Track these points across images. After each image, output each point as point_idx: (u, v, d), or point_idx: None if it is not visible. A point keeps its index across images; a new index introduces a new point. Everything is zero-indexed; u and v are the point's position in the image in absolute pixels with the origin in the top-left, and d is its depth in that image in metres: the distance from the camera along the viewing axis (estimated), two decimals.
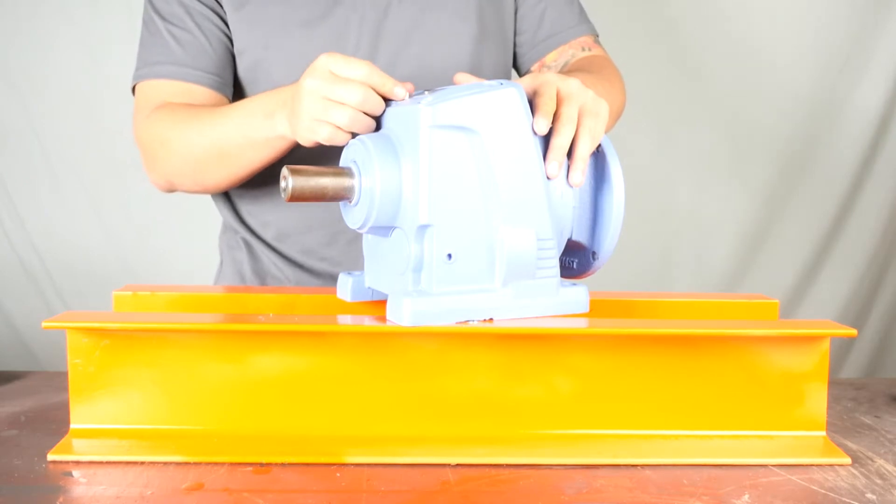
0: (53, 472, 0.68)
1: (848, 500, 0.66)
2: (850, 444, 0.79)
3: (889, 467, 0.74)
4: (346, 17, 1.02)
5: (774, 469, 0.72)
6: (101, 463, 0.70)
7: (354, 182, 0.73)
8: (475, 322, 0.73)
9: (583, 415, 0.76)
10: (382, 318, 0.73)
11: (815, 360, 0.77)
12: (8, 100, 2.03)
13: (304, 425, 0.74)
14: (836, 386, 0.98)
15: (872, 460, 0.75)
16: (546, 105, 0.75)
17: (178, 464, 0.70)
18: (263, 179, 1.01)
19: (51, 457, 0.70)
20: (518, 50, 1.15)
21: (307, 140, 0.81)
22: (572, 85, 0.77)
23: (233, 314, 0.85)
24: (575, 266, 0.83)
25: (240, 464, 0.70)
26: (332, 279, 1.06)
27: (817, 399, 0.77)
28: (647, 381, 0.76)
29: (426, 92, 0.74)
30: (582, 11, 1.16)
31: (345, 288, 0.84)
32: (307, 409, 0.74)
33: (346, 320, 0.75)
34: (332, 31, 1.02)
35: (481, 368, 0.75)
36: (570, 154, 0.77)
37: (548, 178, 0.75)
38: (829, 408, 0.82)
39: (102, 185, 2.07)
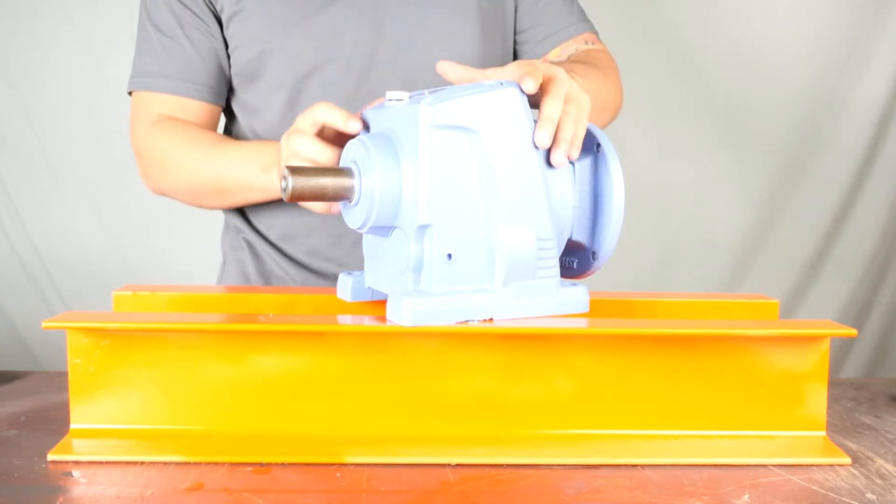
0: (53, 472, 0.68)
1: (848, 500, 0.66)
2: (850, 444, 0.79)
3: (889, 467, 0.74)
4: (344, 14, 1.02)
5: (774, 469, 0.72)
6: (101, 463, 0.70)
7: (354, 182, 0.73)
8: (475, 322, 0.73)
9: (583, 415, 0.76)
10: (382, 318, 0.73)
11: (815, 360, 0.77)
12: (8, 100, 2.04)
13: (304, 425, 0.74)
14: (836, 386, 0.98)
15: (872, 460, 0.75)
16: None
17: (178, 464, 0.70)
18: None
19: (51, 457, 0.70)
20: (519, 48, 1.15)
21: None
22: (555, 72, 0.77)
23: (233, 314, 0.85)
24: (575, 266, 0.83)
25: (240, 464, 0.70)
26: (336, 280, 1.07)
27: (817, 399, 0.77)
28: (647, 381, 0.76)
29: (426, 92, 0.74)
30: (581, 10, 1.16)
31: (345, 288, 0.84)
32: (307, 409, 0.74)
33: (346, 320, 0.75)
34: (330, 28, 1.02)
35: (481, 368, 0.75)
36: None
37: (536, 146, 0.74)
38: (829, 408, 0.82)
39: (102, 185, 2.07)
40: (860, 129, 2.11)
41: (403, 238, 0.73)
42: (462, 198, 0.72)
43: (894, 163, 2.13)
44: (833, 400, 0.92)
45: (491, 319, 0.74)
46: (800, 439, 0.77)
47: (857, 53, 2.07)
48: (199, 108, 1.05)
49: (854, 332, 0.75)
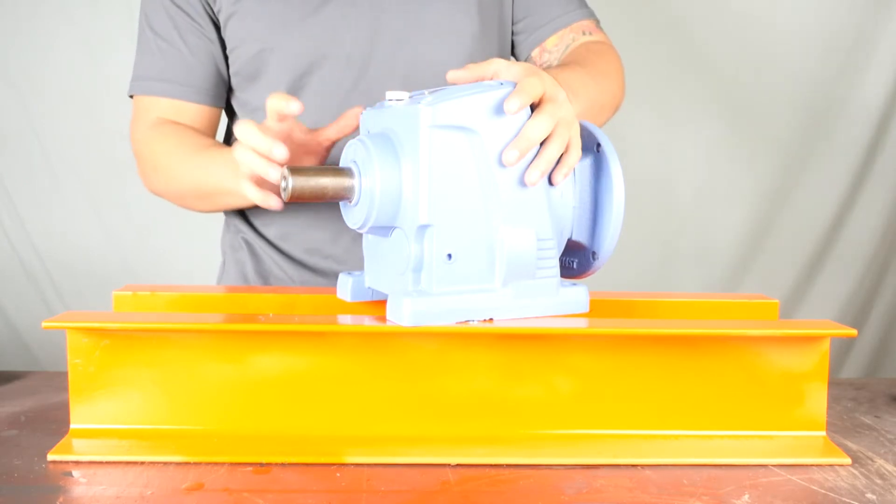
0: (53, 472, 0.68)
1: (848, 500, 0.66)
2: (850, 444, 0.79)
3: (889, 467, 0.74)
4: (342, 12, 1.02)
5: (774, 469, 0.72)
6: (101, 463, 0.70)
7: (354, 182, 0.73)
8: (475, 322, 0.73)
9: (583, 415, 0.76)
10: (382, 318, 0.73)
11: (815, 360, 0.77)
12: (8, 100, 2.03)
13: (304, 425, 0.74)
14: (836, 386, 0.98)
15: (872, 460, 0.75)
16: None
17: (178, 464, 0.70)
18: None
19: (51, 457, 0.70)
20: (516, 37, 1.14)
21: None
22: (555, 94, 0.75)
23: (233, 314, 0.84)
24: (575, 266, 0.83)
25: (240, 464, 0.70)
26: (335, 278, 1.06)
27: (817, 399, 0.77)
28: (647, 381, 0.76)
29: (426, 92, 0.74)
30: None
31: (345, 288, 0.84)
32: (307, 409, 0.74)
33: (346, 320, 0.75)
34: (329, 26, 1.02)
35: (481, 368, 0.75)
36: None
37: (503, 163, 0.72)
38: (829, 408, 0.82)
39: (102, 185, 2.07)
40: (860, 129, 2.11)
41: (403, 238, 0.73)
42: (462, 198, 0.72)
43: (894, 163, 2.13)
44: (833, 400, 0.92)
45: (491, 319, 0.74)
46: (800, 439, 0.77)
47: (857, 53, 2.07)
48: (197, 111, 1.06)
49: (854, 332, 0.75)
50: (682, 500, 0.66)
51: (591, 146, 0.80)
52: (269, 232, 1.09)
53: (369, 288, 0.83)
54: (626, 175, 0.78)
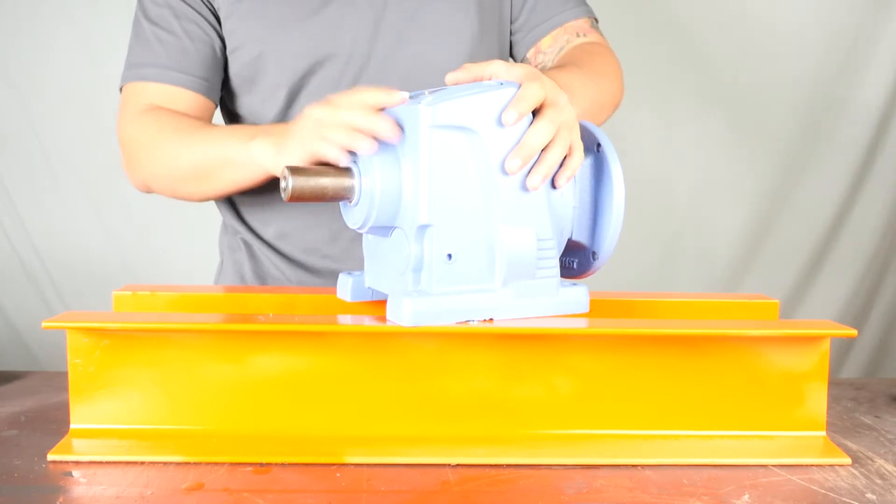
0: (53, 472, 0.68)
1: (848, 500, 0.66)
2: (850, 444, 0.79)
3: (889, 467, 0.74)
4: (342, 12, 1.02)
5: (774, 469, 0.72)
6: (101, 463, 0.70)
7: (354, 182, 0.73)
8: (475, 322, 0.73)
9: (583, 415, 0.76)
10: (382, 318, 0.73)
11: (815, 360, 0.77)
12: (8, 100, 2.03)
13: (304, 425, 0.74)
14: (836, 386, 0.98)
15: (872, 460, 0.75)
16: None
17: (178, 464, 0.70)
18: None
19: (51, 457, 0.70)
20: (513, 37, 1.14)
21: (296, 155, 0.79)
22: (557, 98, 0.75)
23: (233, 314, 0.85)
24: (575, 266, 0.83)
25: (240, 464, 0.70)
26: (334, 278, 1.06)
27: (817, 399, 0.77)
28: (647, 381, 0.76)
29: (426, 92, 0.74)
30: None
31: (345, 288, 0.84)
32: (307, 409, 0.74)
33: (346, 320, 0.75)
34: (329, 26, 1.01)
35: (481, 368, 0.75)
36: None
37: (505, 172, 0.73)
38: (829, 408, 0.82)
39: (102, 185, 2.07)
40: (860, 129, 2.11)
41: (403, 238, 0.73)
42: (462, 198, 0.72)
43: (894, 163, 2.13)
44: (833, 400, 0.92)
45: (491, 319, 0.74)
46: (800, 439, 0.77)
47: (857, 53, 2.07)
48: (191, 100, 1.02)
49: (854, 332, 0.75)
50: (682, 500, 0.66)
51: (591, 146, 0.80)
52: (267, 232, 1.09)
53: (369, 288, 0.83)
54: (626, 175, 0.78)
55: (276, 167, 0.85)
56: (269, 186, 1.05)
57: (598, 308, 0.85)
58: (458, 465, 0.71)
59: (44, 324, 0.70)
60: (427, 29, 1.04)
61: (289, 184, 0.72)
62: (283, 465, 0.70)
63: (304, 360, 0.74)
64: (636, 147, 2.07)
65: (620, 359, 0.76)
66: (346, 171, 0.74)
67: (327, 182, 0.73)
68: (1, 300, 2.11)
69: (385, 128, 0.72)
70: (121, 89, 1.06)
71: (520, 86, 0.73)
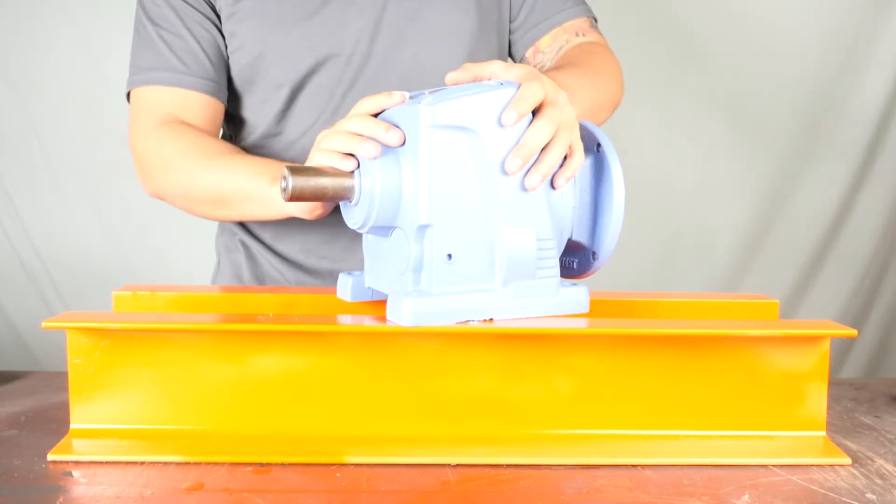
0: (53, 472, 0.68)
1: (848, 500, 0.66)
2: (850, 444, 0.79)
3: (889, 467, 0.74)
4: (342, 11, 1.02)
5: (774, 469, 0.72)
6: (101, 463, 0.70)
7: (354, 182, 0.73)
8: (475, 322, 0.73)
9: (583, 415, 0.76)
10: (382, 318, 0.73)
11: (815, 360, 0.77)
12: (8, 100, 2.03)
13: (304, 425, 0.74)
14: (836, 386, 0.98)
15: (872, 460, 0.75)
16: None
17: (178, 464, 0.70)
18: None
19: (51, 457, 0.70)
20: (512, 36, 1.13)
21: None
22: (556, 97, 0.75)
23: (233, 314, 0.84)
24: (575, 266, 0.83)
25: (240, 464, 0.70)
26: (332, 278, 1.06)
27: (817, 399, 0.77)
28: (647, 381, 0.76)
29: (426, 92, 0.74)
30: None
31: (345, 288, 0.84)
32: (307, 409, 0.74)
33: (346, 320, 0.75)
34: (329, 26, 1.01)
35: (481, 368, 0.75)
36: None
37: (505, 172, 0.73)
38: (829, 408, 0.82)
39: (102, 185, 2.07)
40: (860, 129, 2.11)
41: (403, 238, 0.73)
42: (462, 198, 0.72)
43: (894, 163, 2.13)
44: (833, 400, 0.92)
45: (491, 319, 0.74)
46: (800, 439, 0.77)
47: (857, 53, 2.07)
48: (204, 104, 1.02)
49: (854, 332, 0.75)
50: (682, 500, 0.66)
51: (591, 146, 0.80)
52: (265, 233, 1.09)
53: (369, 288, 0.83)
54: (626, 175, 0.78)
55: (297, 210, 0.87)
56: None
57: (598, 308, 0.85)
58: (458, 465, 0.71)
59: (44, 324, 0.70)
60: (427, 29, 1.04)
61: (289, 184, 0.71)
62: (283, 465, 0.70)
63: (304, 360, 0.74)
64: (636, 147, 2.07)
65: (620, 359, 0.76)
66: (347, 171, 0.74)
67: (327, 182, 0.73)
68: (1, 300, 2.11)
69: (387, 132, 0.72)
70: (128, 93, 1.04)
71: (519, 86, 0.73)
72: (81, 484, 0.66)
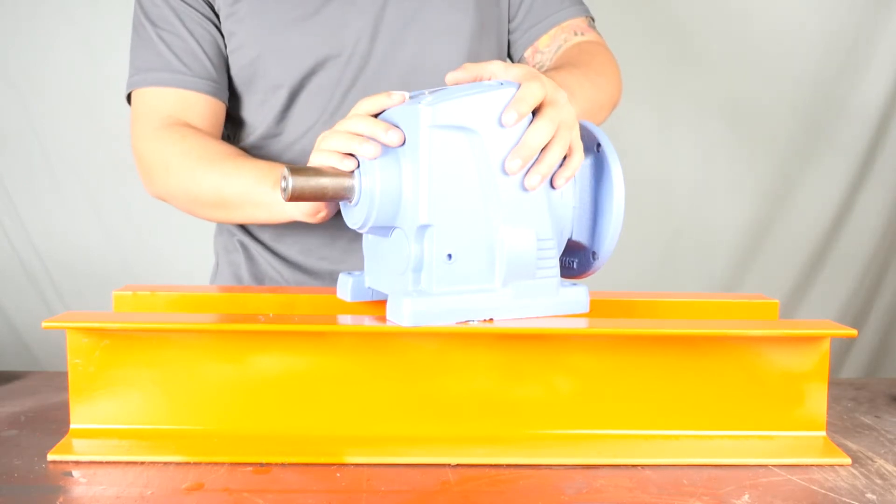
0: (53, 472, 0.68)
1: (848, 500, 0.66)
2: (850, 444, 0.79)
3: (889, 467, 0.74)
4: (342, 11, 1.02)
5: (774, 469, 0.72)
6: (101, 463, 0.70)
7: (354, 182, 0.73)
8: (475, 322, 0.73)
9: (583, 415, 0.76)
10: (382, 318, 0.73)
11: (815, 360, 0.77)
12: (8, 100, 2.03)
13: (304, 425, 0.74)
14: (836, 386, 0.98)
15: (872, 460, 0.75)
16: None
17: (178, 464, 0.70)
18: None
19: (51, 457, 0.70)
20: (511, 36, 1.13)
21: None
22: (556, 97, 0.75)
23: (232, 314, 0.84)
24: (575, 266, 0.83)
25: (240, 464, 0.70)
26: (332, 279, 1.06)
27: (817, 399, 0.77)
28: (647, 381, 0.76)
29: (426, 92, 0.74)
30: None
31: (345, 288, 0.84)
32: (307, 409, 0.74)
33: (346, 320, 0.75)
34: (329, 26, 1.01)
35: (481, 368, 0.75)
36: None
37: (505, 172, 0.73)
38: (829, 408, 0.82)
39: (102, 185, 2.07)
40: (860, 129, 2.11)
41: (403, 238, 0.73)
42: (462, 198, 0.72)
43: (894, 163, 2.13)
44: (833, 400, 0.92)
45: (491, 319, 0.74)
46: (800, 439, 0.77)
47: (857, 53, 2.07)
48: (206, 105, 1.02)
49: (854, 332, 0.75)
50: (682, 500, 0.66)
51: (591, 146, 0.80)
52: (264, 234, 1.09)
53: (369, 288, 0.83)
54: (626, 175, 0.78)
55: (299, 213, 0.87)
56: None
57: (598, 308, 0.85)
58: (458, 465, 0.71)
59: (44, 324, 0.70)
60: (426, 29, 1.04)
61: (289, 184, 0.71)
62: (283, 465, 0.70)
63: (304, 360, 0.74)
64: (636, 147, 2.07)
65: (620, 359, 0.76)
66: (347, 171, 0.74)
67: (327, 182, 0.73)
68: (1, 300, 2.11)
69: (386, 133, 0.72)
70: (128, 94, 1.04)
71: (519, 86, 0.73)
72: (81, 484, 0.66)
